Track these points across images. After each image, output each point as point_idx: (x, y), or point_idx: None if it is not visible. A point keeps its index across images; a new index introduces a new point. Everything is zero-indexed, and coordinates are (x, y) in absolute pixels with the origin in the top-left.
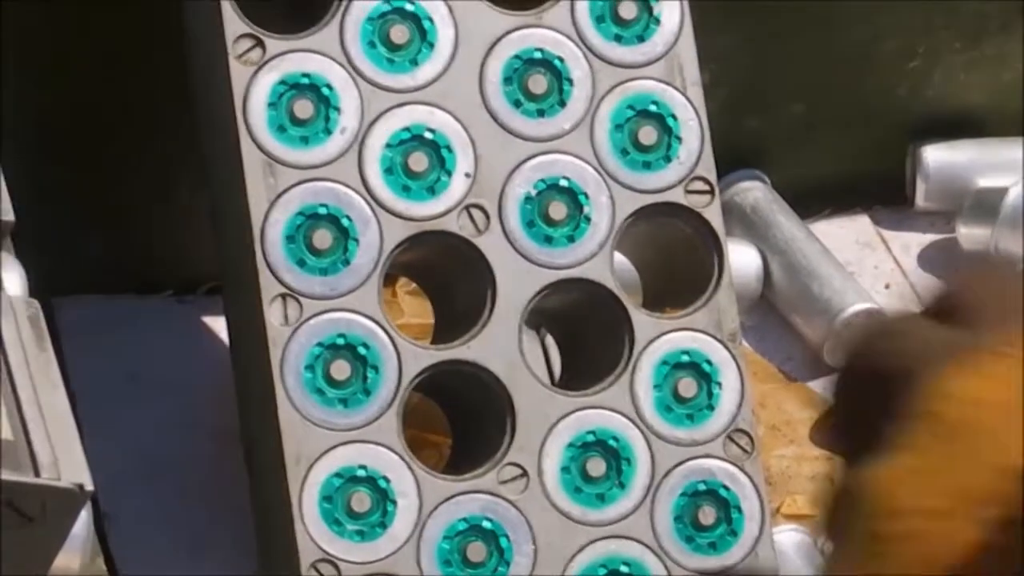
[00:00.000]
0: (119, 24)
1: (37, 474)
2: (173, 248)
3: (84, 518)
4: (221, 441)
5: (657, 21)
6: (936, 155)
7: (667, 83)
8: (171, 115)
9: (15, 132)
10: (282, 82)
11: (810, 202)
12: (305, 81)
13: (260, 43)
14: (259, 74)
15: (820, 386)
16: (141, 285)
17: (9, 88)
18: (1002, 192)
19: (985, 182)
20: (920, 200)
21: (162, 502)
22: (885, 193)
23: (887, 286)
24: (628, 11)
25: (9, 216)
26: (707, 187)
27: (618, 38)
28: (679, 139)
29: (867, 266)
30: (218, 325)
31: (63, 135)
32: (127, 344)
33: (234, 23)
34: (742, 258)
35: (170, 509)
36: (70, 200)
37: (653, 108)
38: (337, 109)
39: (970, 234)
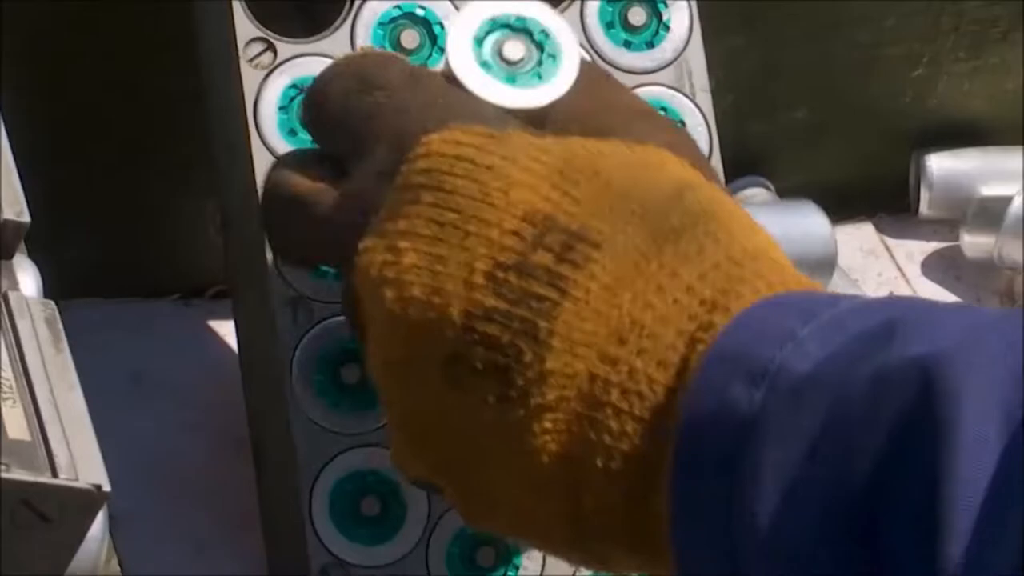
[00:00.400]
0: (128, 24)
1: (55, 475)
2: (180, 252)
3: (100, 519)
4: (227, 445)
5: (666, 27)
6: (940, 163)
7: (676, 89)
8: (179, 118)
9: (20, 133)
10: (293, 86)
11: None
12: None
13: (271, 47)
14: (270, 78)
15: None
16: (147, 289)
17: (14, 88)
18: (1006, 201)
19: (989, 191)
20: (924, 208)
21: (167, 505)
22: (889, 201)
23: (891, 294)
24: (637, 17)
25: (25, 217)
26: None
27: (627, 44)
28: None
29: (871, 274)
30: (225, 329)
31: (69, 136)
32: (133, 347)
33: (245, 27)
34: None
35: (175, 512)
36: (75, 203)
37: (662, 114)
38: None
39: (974, 242)
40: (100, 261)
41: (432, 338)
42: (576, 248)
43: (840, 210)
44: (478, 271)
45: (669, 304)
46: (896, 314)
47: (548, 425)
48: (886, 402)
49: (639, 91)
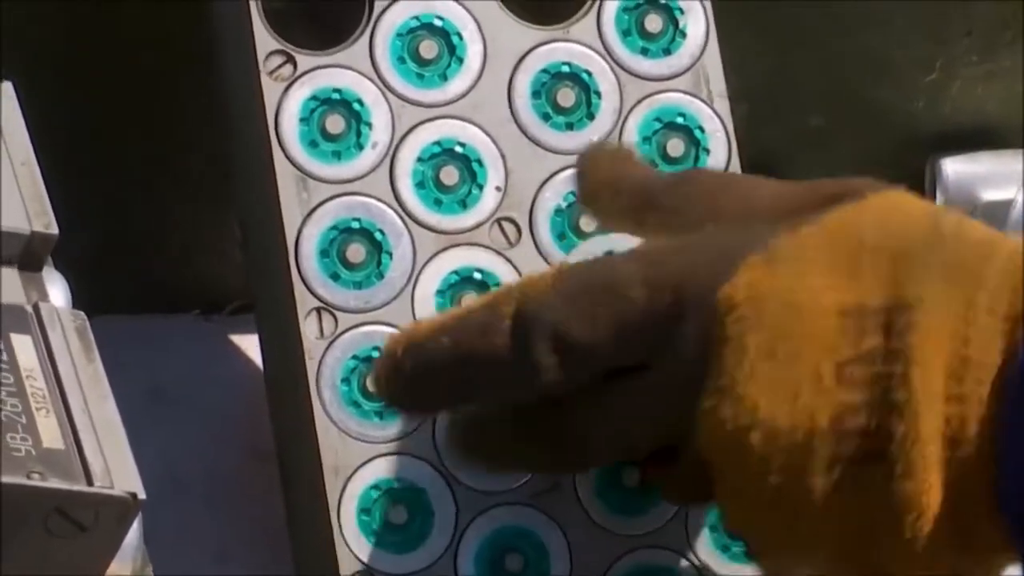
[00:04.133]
0: (148, 40)
1: (90, 483)
2: (199, 267)
3: (135, 527)
4: (249, 459)
5: (683, 34)
6: (955, 167)
7: (694, 95)
8: (197, 132)
9: (38, 148)
10: (313, 98)
11: None
12: (336, 96)
13: (291, 59)
14: (291, 90)
15: None
16: (167, 304)
17: (32, 102)
18: (1007, 205)
19: (996, 195)
20: None
21: (192, 519)
22: None
23: None
24: (654, 24)
25: (53, 229)
26: None
27: (644, 51)
28: (707, 151)
29: None
30: (245, 344)
31: (86, 152)
32: (154, 363)
33: (265, 40)
34: None
35: (200, 526)
36: (94, 219)
37: (680, 120)
38: (368, 124)
39: None
40: (118, 278)
41: (807, 456)
42: (894, 319)
43: None
44: (826, 376)
45: (981, 331)
46: None
47: (933, 480)
48: None
49: (656, 98)
